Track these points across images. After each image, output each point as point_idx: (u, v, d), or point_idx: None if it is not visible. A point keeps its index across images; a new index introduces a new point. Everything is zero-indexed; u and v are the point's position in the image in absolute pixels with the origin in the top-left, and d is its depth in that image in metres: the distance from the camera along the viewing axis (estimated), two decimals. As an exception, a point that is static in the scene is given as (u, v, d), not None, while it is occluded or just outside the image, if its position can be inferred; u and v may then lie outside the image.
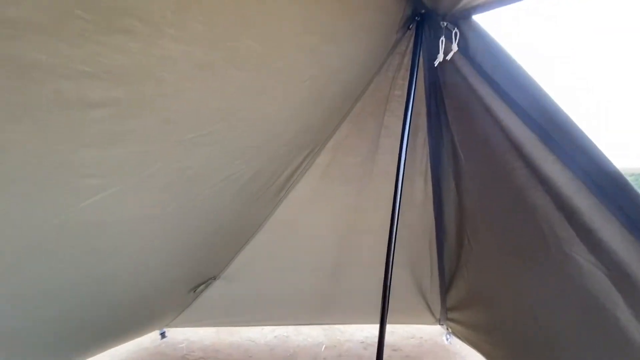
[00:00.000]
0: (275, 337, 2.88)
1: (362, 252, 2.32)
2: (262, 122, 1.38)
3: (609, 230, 1.16)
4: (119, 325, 2.17)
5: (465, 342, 2.59)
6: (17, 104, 0.75)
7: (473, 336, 2.41)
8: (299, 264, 2.31)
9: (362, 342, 2.84)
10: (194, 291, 2.10)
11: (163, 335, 2.68)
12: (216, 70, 1.01)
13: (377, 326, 2.94)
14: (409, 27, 1.53)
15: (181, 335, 2.81)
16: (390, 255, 1.67)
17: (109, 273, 1.52)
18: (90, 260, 1.34)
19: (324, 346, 2.76)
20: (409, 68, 1.62)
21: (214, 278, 2.14)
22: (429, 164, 1.96)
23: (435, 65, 1.48)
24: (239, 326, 2.77)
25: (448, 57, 1.43)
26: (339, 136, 1.87)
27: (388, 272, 1.70)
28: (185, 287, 2.10)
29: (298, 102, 1.41)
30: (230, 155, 1.37)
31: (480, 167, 1.64)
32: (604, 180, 1.14)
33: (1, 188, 0.86)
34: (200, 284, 2.09)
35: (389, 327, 3.04)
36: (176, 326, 2.62)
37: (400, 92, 1.74)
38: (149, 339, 2.71)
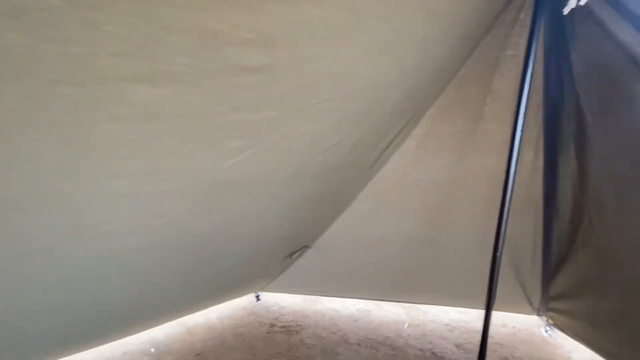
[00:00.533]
0: (357, 310, 2.95)
1: (456, 230, 2.22)
2: (368, 88, 1.38)
3: None
4: (225, 284, 2.44)
5: (571, 336, 2.34)
6: (196, 71, 0.86)
7: (583, 330, 2.16)
8: (388, 238, 2.31)
9: (447, 325, 2.76)
10: (290, 257, 2.25)
11: (257, 298, 2.94)
12: (343, 32, 1.04)
13: (462, 309, 2.83)
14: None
15: (272, 299, 3.05)
16: (499, 237, 1.56)
17: (225, 234, 1.71)
18: (214, 218, 1.52)
19: (406, 324, 2.74)
20: (527, 24, 1.47)
21: (308, 247, 2.27)
22: (541, 132, 1.77)
23: (565, 14, 1.31)
24: (324, 296, 2.90)
25: (582, 2, 1.26)
26: (439, 104, 1.79)
27: (497, 255, 1.59)
28: (281, 254, 2.26)
29: (409, 64, 1.38)
30: (339, 123, 1.41)
31: (615, 129, 1.42)
32: None
33: (177, 145, 1.01)
34: (295, 251, 2.23)
35: (475, 313, 2.90)
36: (269, 291, 2.85)
37: (514, 52, 1.59)
38: (245, 301, 3.01)
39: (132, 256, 1.41)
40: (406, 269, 2.48)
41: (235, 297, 2.84)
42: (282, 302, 3.06)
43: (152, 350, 2.29)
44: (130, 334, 2.27)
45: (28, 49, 0.62)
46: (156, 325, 2.43)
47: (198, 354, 2.29)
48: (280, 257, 2.29)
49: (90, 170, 0.93)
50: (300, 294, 2.93)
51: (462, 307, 2.76)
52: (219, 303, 2.75)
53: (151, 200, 1.16)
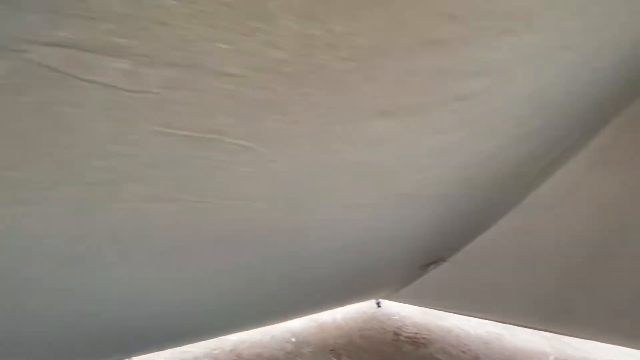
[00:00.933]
0: (486, 332, 2.74)
1: (625, 256, 1.88)
2: (557, 101, 1.28)
3: None
4: (353, 289, 2.55)
5: None
6: (420, 104, 0.94)
7: None
8: (539, 259, 2.08)
9: (607, 366, 2.35)
10: (425, 268, 2.22)
11: (378, 305, 2.99)
12: (548, 52, 1.00)
13: (631, 350, 2.36)
14: None
15: (393, 308, 3.07)
16: None
17: (364, 240, 1.78)
18: (344, 215, 1.56)
19: (552, 357, 2.43)
20: None
21: (443, 260, 2.21)
22: None
23: None
24: (451, 312, 2.78)
25: None
26: (630, 111, 1.54)
27: None
28: (415, 263, 2.25)
29: (601, 65, 1.23)
30: (518, 137, 1.34)
31: None
32: None
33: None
34: (432, 262, 2.20)
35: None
36: (392, 299, 2.87)
37: None
38: (366, 306, 3.10)
39: (288, 263, 1.63)
40: (559, 295, 2.19)
41: (359, 301, 2.94)
42: (402, 311, 3.05)
43: (293, 339, 2.53)
44: (274, 323, 2.56)
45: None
46: (294, 318, 2.69)
47: (332, 350, 2.44)
48: (412, 266, 2.28)
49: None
50: (426, 306, 2.87)
51: (631, 347, 2.31)
52: (344, 305, 2.89)
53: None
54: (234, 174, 0.97)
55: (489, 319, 2.69)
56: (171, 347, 2.31)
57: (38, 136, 0.69)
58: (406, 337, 2.65)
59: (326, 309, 2.81)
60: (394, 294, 2.79)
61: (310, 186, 1.16)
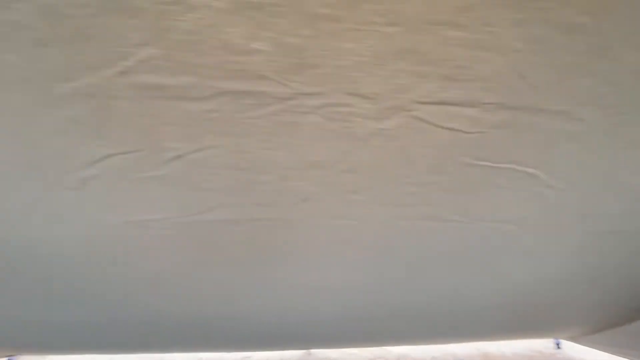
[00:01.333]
0: None
1: None
2: None
3: None
4: (526, 321, 2.30)
5: None
6: None
7: None
8: None
9: None
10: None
11: (558, 345, 2.60)
12: None
13: None
14: None
15: (576, 351, 2.60)
16: None
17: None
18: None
19: None
20: None
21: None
22: None
23: None
24: None
25: None
26: None
27: None
28: (616, 301, 1.88)
29: None
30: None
31: None
32: None
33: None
34: None
35: None
36: (572, 340, 2.44)
37: None
38: (541, 344, 2.73)
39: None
40: None
41: (534, 337, 2.62)
42: (588, 357, 2.54)
43: (457, 364, 2.47)
44: (435, 344, 2.56)
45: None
46: (455, 342, 2.62)
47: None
48: (618, 306, 1.91)
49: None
50: (622, 356, 2.31)
51: None
52: (513, 339, 2.63)
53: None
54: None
55: None
56: (341, 347, 2.61)
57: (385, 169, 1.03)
58: (600, 389, 2.19)
59: (493, 339, 2.62)
60: (578, 336, 2.37)
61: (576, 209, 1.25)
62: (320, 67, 0.85)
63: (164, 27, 0.77)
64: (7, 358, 2.17)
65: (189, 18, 0.76)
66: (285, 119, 0.93)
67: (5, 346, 2.00)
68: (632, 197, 1.21)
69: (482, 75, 0.87)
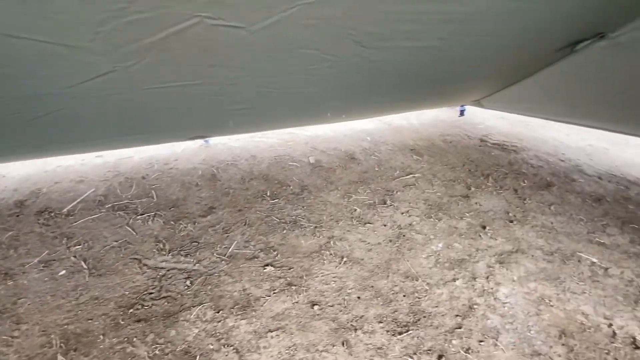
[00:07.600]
0: (589, 145, 2.39)
1: None
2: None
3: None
4: (439, 90, 2.11)
5: None
6: None
7: None
8: None
9: None
10: (571, 49, 1.66)
11: (462, 113, 2.64)
12: None
13: None
14: None
15: (477, 117, 2.72)
16: None
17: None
18: None
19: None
20: None
21: (603, 35, 1.59)
22: None
23: None
24: (549, 119, 2.34)
25: None
26: None
27: None
28: (551, 43, 1.66)
29: None
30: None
31: None
32: None
33: None
34: (581, 40, 1.61)
35: None
36: (481, 105, 2.45)
37: None
38: (445, 114, 2.76)
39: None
40: None
41: (441, 106, 2.58)
42: (488, 121, 2.70)
43: (368, 138, 2.37)
44: (343, 121, 2.34)
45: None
46: (363, 118, 2.45)
47: (412, 149, 2.27)
48: (545, 49, 1.71)
49: None
50: (524, 113, 2.44)
51: None
52: (421, 109, 2.55)
53: None
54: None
55: (607, 129, 2.22)
56: (248, 132, 2.24)
57: None
58: (494, 144, 2.38)
59: (402, 111, 2.51)
60: (486, 99, 2.35)
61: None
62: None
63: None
64: None
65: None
66: None
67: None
68: None
69: None
